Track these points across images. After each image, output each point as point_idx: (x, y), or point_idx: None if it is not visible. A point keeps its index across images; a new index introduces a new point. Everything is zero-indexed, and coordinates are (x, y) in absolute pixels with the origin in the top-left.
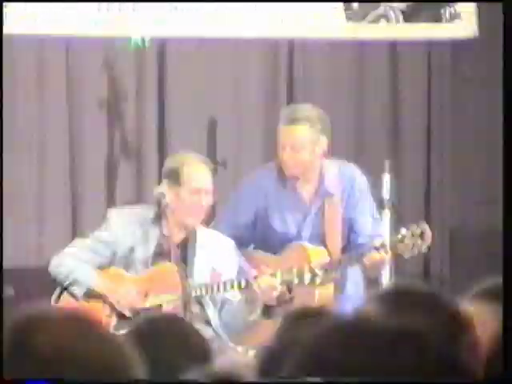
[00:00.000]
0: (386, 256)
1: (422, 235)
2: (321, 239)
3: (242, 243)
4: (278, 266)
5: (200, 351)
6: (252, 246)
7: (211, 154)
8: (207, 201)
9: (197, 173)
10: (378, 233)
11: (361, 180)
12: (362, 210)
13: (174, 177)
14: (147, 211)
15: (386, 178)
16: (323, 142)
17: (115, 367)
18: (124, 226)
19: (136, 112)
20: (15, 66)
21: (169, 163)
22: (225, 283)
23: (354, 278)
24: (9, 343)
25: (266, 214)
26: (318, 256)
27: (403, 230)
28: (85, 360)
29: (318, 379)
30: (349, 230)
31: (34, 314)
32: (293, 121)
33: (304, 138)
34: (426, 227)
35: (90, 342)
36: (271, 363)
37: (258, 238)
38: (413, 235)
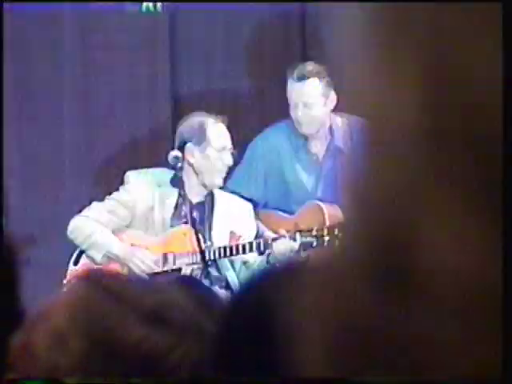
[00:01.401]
0: None
1: None
2: (334, 196)
3: (254, 203)
4: (294, 226)
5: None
6: (262, 205)
7: (225, 116)
8: (229, 159)
9: (220, 132)
10: None
11: None
12: None
13: (199, 137)
14: (166, 174)
15: None
16: (333, 96)
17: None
18: (142, 188)
19: (149, 77)
20: (28, 30)
21: (189, 125)
22: (244, 246)
23: None
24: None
25: (278, 172)
26: (333, 215)
27: None
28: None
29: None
30: None
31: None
32: (302, 77)
33: (315, 92)
34: None
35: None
36: None
37: (271, 197)
38: None
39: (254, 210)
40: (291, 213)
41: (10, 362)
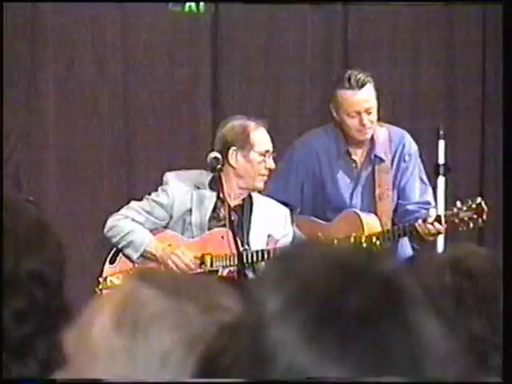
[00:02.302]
0: (441, 229)
1: (477, 209)
2: (371, 206)
3: (290, 207)
4: (330, 234)
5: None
6: (298, 210)
7: (266, 119)
8: (272, 163)
9: (263, 136)
10: (427, 199)
11: (410, 145)
12: (411, 176)
13: (243, 141)
14: (204, 176)
15: (441, 144)
16: (376, 99)
17: None
18: (181, 189)
19: (190, 76)
20: (70, 29)
21: (231, 129)
22: None
23: (404, 249)
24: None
25: (316, 178)
26: (371, 225)
27: (458, 204)
28: None
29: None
30: (398, 196)
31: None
32: (362, 84)
33: (373, 97)
34: (482, 202)
35: None
36: None
37: (307, 203)
38: (468, 209)
39: (290, 215)
40: (326, 220)
41: (66, 356)
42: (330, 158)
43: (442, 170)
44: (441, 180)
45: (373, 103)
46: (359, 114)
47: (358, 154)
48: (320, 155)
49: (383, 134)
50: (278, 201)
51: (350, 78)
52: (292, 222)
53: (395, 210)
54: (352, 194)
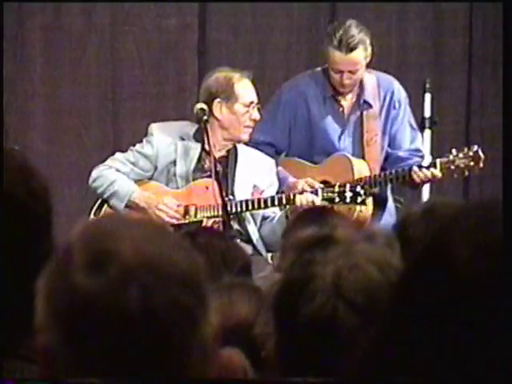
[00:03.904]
0: (438, 173)
1: (474, 157)
2: (359, 152)
3: (276, 151)
4: (319, 176)
5: (240, 265)
6: (284, 154)
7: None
8: (257, 114)
9: (247, 87)
10: (417, 147)
11: (399, 91)
12: (401, 124)
13: (227, 93)
14: (189, 127)
15: (427, 97)
16: (369, 52)
17: (192, 272)
18: (166, 140)
19: (177, 27)
20: None
21: (216, 81)
22: (266, 200)
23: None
24: (89, 251)
25: (303, 121)
26: (361, 169)
27: (454, 151)
28: (167, 266)
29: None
30: (388, 144)
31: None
32: (350, 49)
33: (361, 60)
34: (479, 150)
35: (168, 248)
36: None
37: (294, 145)
38: (465, 156)
39: (278, 157)
40: (313, 163)
41: None
42: (318, 102)
43: (427, 123)
44: (427, 133)
45: (359, 65)
46: (341, 72)
47: (347, 100)
48: (308, 99)
49: (371, 81)
50: (265, 143)
51: (341, 40)
52: (277, 165)
53: (386, 158)
54: (340, 139)
